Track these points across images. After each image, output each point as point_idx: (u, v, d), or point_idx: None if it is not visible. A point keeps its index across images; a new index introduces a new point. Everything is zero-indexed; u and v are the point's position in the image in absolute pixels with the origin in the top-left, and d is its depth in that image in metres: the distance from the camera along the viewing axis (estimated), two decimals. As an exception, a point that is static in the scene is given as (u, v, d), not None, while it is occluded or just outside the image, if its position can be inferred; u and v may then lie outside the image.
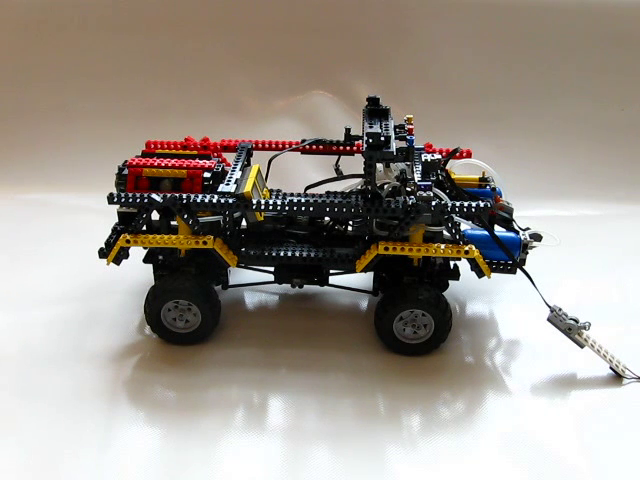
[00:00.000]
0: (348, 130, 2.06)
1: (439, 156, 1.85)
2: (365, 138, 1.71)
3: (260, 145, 2.16)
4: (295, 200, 1.80)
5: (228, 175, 1.91)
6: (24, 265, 2.36)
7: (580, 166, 2.95)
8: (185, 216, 1.80)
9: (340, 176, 2.05)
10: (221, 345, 1.93)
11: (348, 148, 2.13)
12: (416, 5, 2.92)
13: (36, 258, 2.41)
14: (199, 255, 1.91)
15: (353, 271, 1.88)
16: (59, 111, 3.00)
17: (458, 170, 2.06)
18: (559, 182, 2.92)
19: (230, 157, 2.05)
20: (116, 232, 1.97)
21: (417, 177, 1.82)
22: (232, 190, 1.81)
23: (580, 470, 1.54)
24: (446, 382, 1.80)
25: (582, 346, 1.80)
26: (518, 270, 1.87)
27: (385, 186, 1.90)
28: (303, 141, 2.14)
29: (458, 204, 1.75)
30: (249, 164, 2.07)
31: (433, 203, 1.73)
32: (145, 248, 1.98)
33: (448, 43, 2.95)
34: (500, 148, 2.89)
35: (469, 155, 2.09)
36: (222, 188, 1.82)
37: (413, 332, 1.87)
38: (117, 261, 1.88)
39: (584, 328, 1.79)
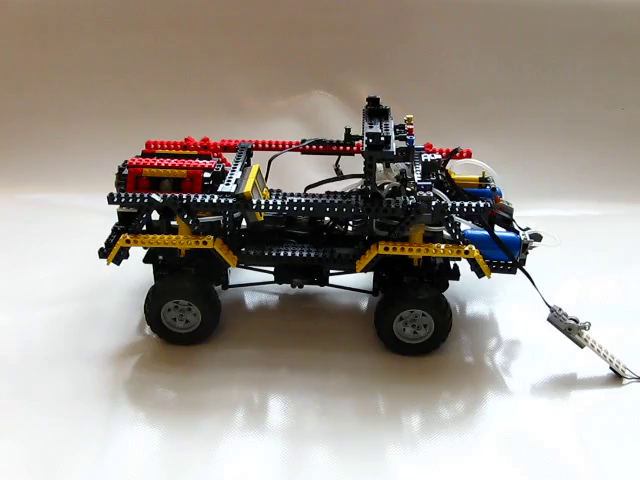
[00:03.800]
0: (348, 130, 2.06)
1: (439, 156, 1.85)
2: (365, 138, 1.71)
3: (260, 145, 2.16)
4: (295, 200, 1.80)
5: (228, 175, 1.90)
6: (24, 265, 2.36)
7: (580, 166, 2.95)
8: (185, 216, 1.80)
9: (340, 176, 2.05)
10: (221, 345, 1.93)
11: (348, 148, 2.13)
12: (416, 5, 2.92)
13: (36, 258, 2.41)
14: (199, 255, 1.91)
15: (353, 271, 1.88)
16: (59, 111, 3.00)
17: (458, 170, 2.06)
18: (559, 182, 2.92)
19: (230, 157, 2.05)
20: (116, 232, 1.97)
21: (417, 177, 1.82)
22: (232, 190, 1.81)
23: (580, 470, 1.54)
24: (446, 382, 1.80)
25: (582, 346, 1.80)
26: (518, 270, 1.87)
27: (385, 186, 1.90)
28: (303, 141, 2.14)
29: (458, 204, 1.75)
30: (249, 164, 2.07)
31: (433, 203, 1.73)
32: (145, 248, 1.98)
33: (448, 43, 2.95)
34: (500, 148, 2.88)
35: (469, 155, 2.09)
36: (222, 188, 1.82)
37: (413, 332, 1.87)
38: (117, 261, 1.88)
39: (584, 328, 1.79)
